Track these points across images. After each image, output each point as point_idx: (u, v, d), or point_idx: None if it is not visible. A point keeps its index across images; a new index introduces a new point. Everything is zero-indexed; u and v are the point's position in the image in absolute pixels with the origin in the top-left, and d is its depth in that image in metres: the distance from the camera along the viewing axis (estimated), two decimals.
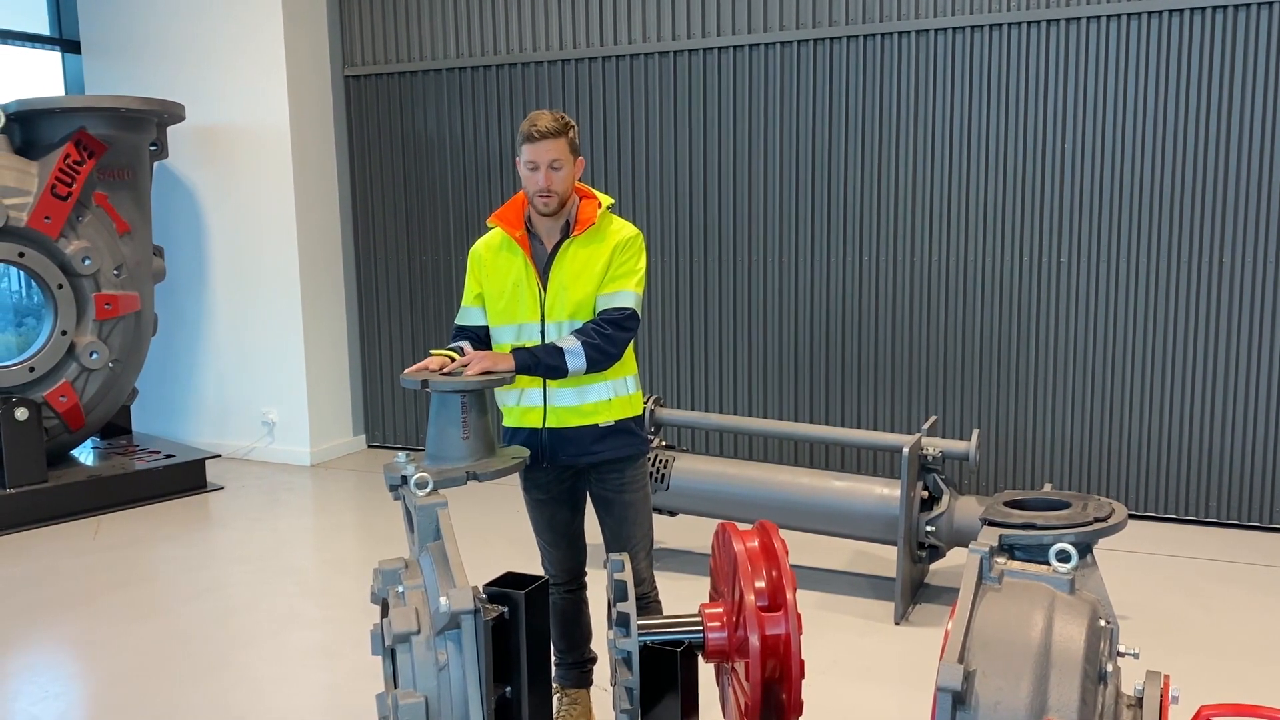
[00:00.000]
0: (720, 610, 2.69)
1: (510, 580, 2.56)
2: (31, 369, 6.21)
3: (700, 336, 6.76)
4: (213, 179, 7.50)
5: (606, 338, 3.09)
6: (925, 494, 4.72)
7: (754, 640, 2.47)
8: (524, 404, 3.26)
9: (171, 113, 6.80)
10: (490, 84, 7.10)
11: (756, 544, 2.71)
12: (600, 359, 3.10)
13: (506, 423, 3.36)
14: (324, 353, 7.57)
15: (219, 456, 7.09)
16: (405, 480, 2.83)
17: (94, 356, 6.42)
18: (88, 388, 6.48)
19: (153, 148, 7.03)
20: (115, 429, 7.35)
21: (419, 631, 2.54)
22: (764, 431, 5.38)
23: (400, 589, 2.66)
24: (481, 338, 3.32)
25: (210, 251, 7.58)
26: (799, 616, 2.50)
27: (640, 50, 6.62)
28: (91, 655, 4.40)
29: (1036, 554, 2.40)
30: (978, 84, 5.91)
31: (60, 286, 6.27)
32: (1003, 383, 6.08)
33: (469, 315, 3.34)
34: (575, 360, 3.06)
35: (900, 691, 3.96)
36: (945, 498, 4.69)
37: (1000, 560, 2.36)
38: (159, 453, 6.93)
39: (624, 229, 3.25)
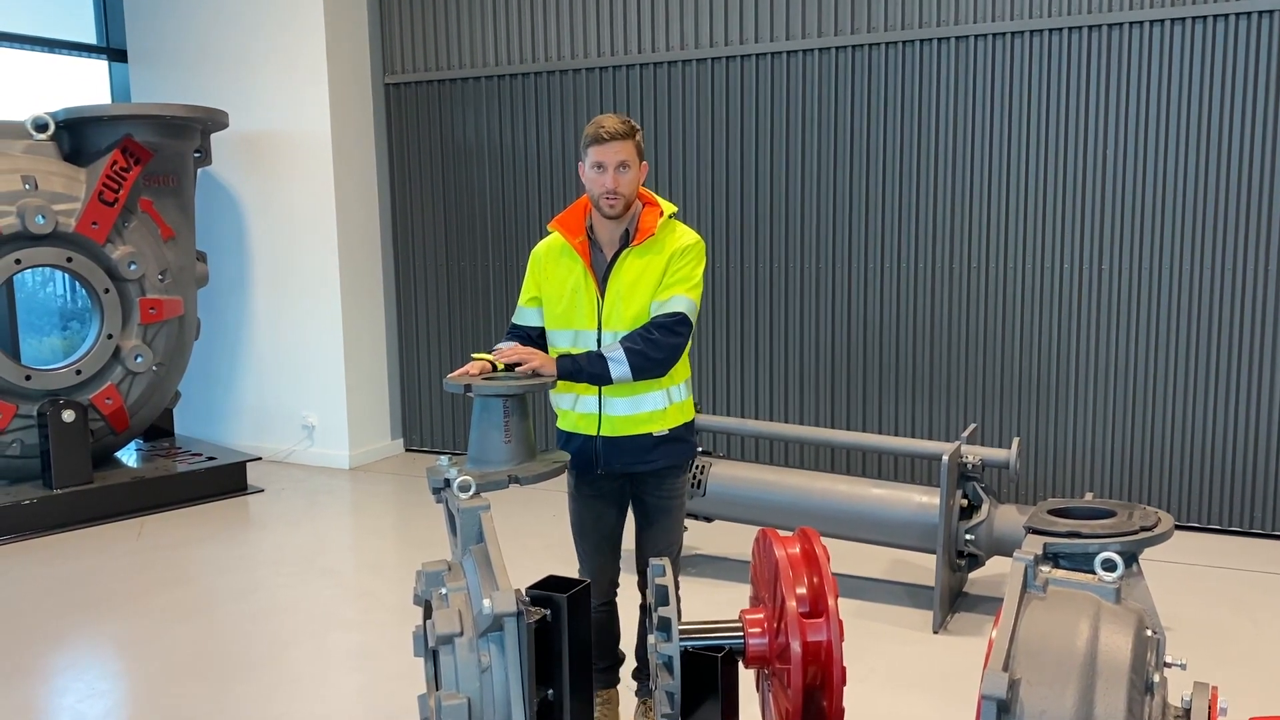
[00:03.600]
0: (761, 616, 2.69)
1: (552, 583, 2.57)
2: (78, 372, 6.31)
3: (737, 343, 6.76)
4: (255, 185, 7.60)
5: (652, 343, 3.08)
6: (965, 502, 4.68)
7: (795, 647, 2.47)
8: (579, 410, 3.27)
9: (216, 120, 6.90)
10: (530, 91, 7.15)
11: (798, 550, 2.70)
12: (646, 365, 3.07)
13: (561, 425, 3.38)
14: (363, 357, 7.64)
15: (259, 459, 7.17)
16: (448, 483, 2.86)
17: (139, 360, 6.52)
18: (132, 390, 6.58)
19: (197, 154, 7.14)
20: (158, 431, 7.46)
21: (462, 633, 2.56)
22: (801, 438, 5.37)
23: (443, 591, 2.68)
24: (535, 339, 3.34)
25: (252, 257, 7.68)
26: (840, 623, 2.50)
27: (680, 57, 6.63)
28: (135, 654, 4.46)
29: (1081, 563, 2.38)
30: (1018, 90, 5.87)
31: (107, 291, 6.38)
32: (1042, 391, 6.02)
33: (525, 316, 3.37)
34: (619, 368, 3.06)
35: (939, 702, 3.93)
36: (985, 506, 4.66)
37: (1045, 569, 2.34)
38: (200, 455, 7.03)
39: (684, 236, 3.23)
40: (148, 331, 6.59)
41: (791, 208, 6.49)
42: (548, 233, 3.37)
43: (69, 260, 6.23)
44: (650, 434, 3.23)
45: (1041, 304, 5.97)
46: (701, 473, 5.14)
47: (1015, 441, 4.69)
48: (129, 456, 7.00)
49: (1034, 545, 2.39)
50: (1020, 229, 5.97)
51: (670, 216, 3.26)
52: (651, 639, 2.58)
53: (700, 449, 5.33)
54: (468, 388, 2.92)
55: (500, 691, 2.48)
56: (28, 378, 6.14)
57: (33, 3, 7.80)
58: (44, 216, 6.04)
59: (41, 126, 6.35)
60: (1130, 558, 2.38)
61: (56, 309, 8.27)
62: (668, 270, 3.16)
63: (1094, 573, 2.28)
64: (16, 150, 6.24)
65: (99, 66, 8.14)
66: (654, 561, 2.63)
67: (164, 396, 6.93)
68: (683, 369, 3.29)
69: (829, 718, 2.51)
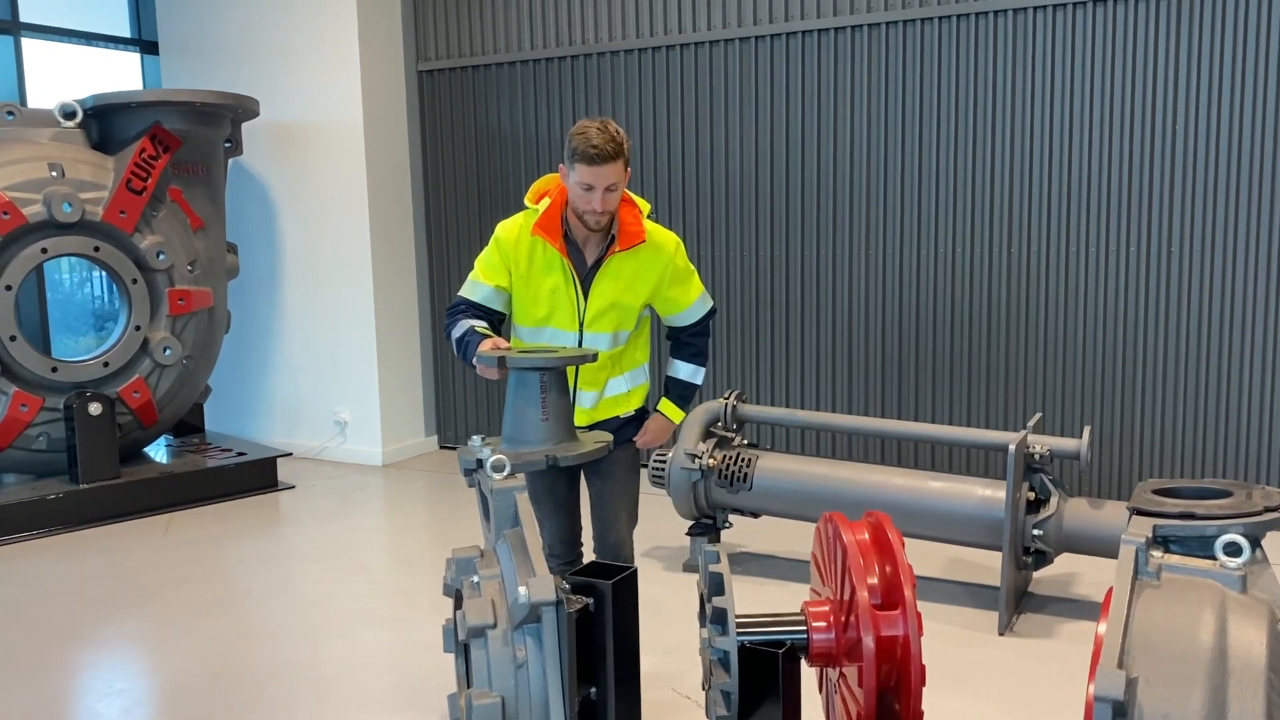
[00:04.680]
0: (827, 609, 2.42)
1: (595, 570, 2.32)
2: (105, 364, 6.16)
3: (782, 330, 6.48)
4: (286, 176, 7.43)
5: (709, 341, 3.43)
6: (1032, 495, 4.38)
7: (868, 642, 2.20)
8: None
9: (246, 108, 6.74)
10: (565, 75, 6.93)
11: (868, 536, 2.43)
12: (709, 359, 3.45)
13: None
14: (396, 352, 7.45)
15: (290, 455, 6.99)
16: (481, 464, 2.62)
17: (167, 352, 6.36)
18: (161, 384, 6.42)
19: (228, 145, 6.98)
20: (188, 427, 7.30)
21: (495, 625, 2.32)
22: (854, 429, 5.08)
23: (475, 579, 2.44)
24: (495, 323, 3.24)
25: (283, 249, 7.51)
26: (919, 616, 2.23)
27: (720, 36, 6.38)
28: (157, 651, 4.27)
29: (1196, 548, 2.09)
30: (1078, 64, 5.56)
31: (135, 281, 6.22)
32: (1109, 379, 5.69)
33: (489, 297, 3.23)
34: (701, 377, 3.42)
35: (1006, 706, 3.64)
36: (1054, 499, 4.35)
37: (1156, 554, 2.06)
38: (230, 451, 6.85)
39: (668, 238, 3.24)
40: (176, 323, 6.42)
41: (840, 190, 6.22)
42: (524, 206, 3.27)
43: (96, 250, 6.07)
44: (617, 417, 3.33)
45: (1109, 287, 5.65)
46: (748, 465, 4.87)
47: (1086, 430, 4.38)
48: (159, 453, 6.84)
49: (1141, 528, 2.11)
50: (1085, 210, 5.65)
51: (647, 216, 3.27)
52: (704, 632, 2.32)
53: (745, 442, 5.07)
54: (501, 361, 2.68)
55: (538, 689, 2.23)
56: (54, 370, 5.99)
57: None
58: (71, 204, 5.90)
59: (69, 114, 6.22)
60: (1254, 542, 2.09)
61: (92, 309, 8.16)
62: (666, 276, 3.21)
63: (1214, 558, 2.00)
64: (44, 138, 6.11)
65: (131, 59, 8.03)
66: (706, 548, 2.37)
67: (193, 390, 6.77)
68: (643, 352, 3.40)
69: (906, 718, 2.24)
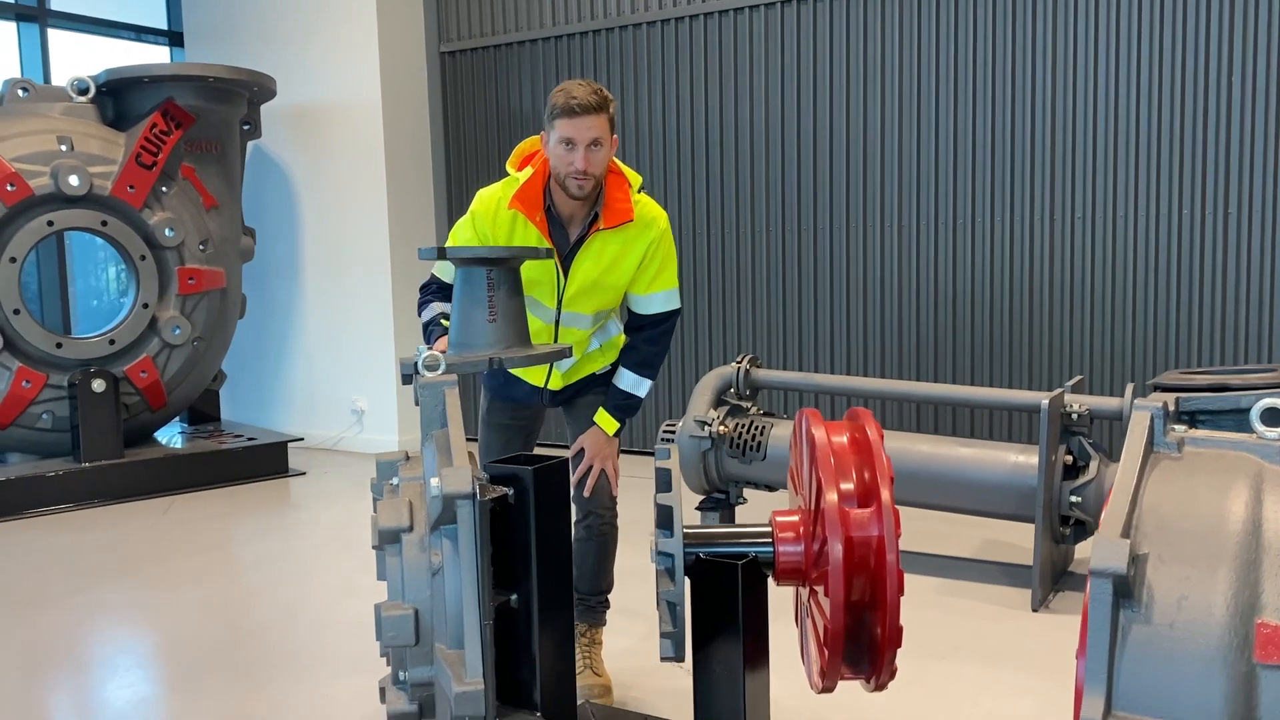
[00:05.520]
0: (797, 519, 2.09)
1: (523, 462, 2.02)
2: (111, 341, 6.02)
3: (794, 291, 6.15)
4: (306, 160, 7.30)
5: (661, 351, 3.04)
6: (1069, 459, 3.98)
7: (835, 546, 1.86)
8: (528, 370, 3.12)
9: (262, 85, 6.61)
10: (588, 51, 6.71)
11: (845, 439, 2.10)
12: (659, 371, 3.07)
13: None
14: (415, 340, 7.22)
15: (301, 440, 6.79)
16: (418, 369, 2.35)
17: (176, 332, 6.20)
18: (170, 364, 6.27)
19: (246, 127, 6.87)
20: (203, 416, 7.14)
21: (411, 529, 2.03)
22: (876, 392, 4.71)
23: (395, 482, 2.16)
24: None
25: (302, 235, 7.37)
26: (897, 516, 1.89)
27: (745, 3, 6.12)
28: (131, 616, 4.04)
29: (1228, 424, 1.74)
30: (1123, 17, 5.19)
31: (143, 258, 6.08)
32: (1153, 345, 5.26)
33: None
34: (645, 387, 3.04)
35: (1037, 678, 3.24)
36: (1094, 464, 3.94)
37: (1178, 429, 1.71)
38: (241, 436, 6.67)
39: (657, 215, 2.93)
40: (186, 303, 6.28)
41: (871, 156, 5.89)
42: (506, 173, 2.97)
43: (104, 224, 5.95)
44: (594, 374, 3.10)
45: (1148, 251, 5.23)
46: (762, 434, 4.53)
47: (1129, 388, 3.98)
48: (172, 439, 6.68)
49: (1162, 401, 1.76)
50: (1134, 172, 5.26)
51: (638, 190, 2.96)
52: (652, 537, 2.01)
53: (759, 410, 4.73)
54: (441, 251, 2.40)
55: (453, 597, 1.93)
56: (59, 345, 5.86)
57: None
58: (79, 177, 5.79)
59: (82, 89, 6.13)
60: None
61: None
62: (647, 258, 2.91)
63: (1249, 431, 1.64)
64: (55, 112, 6.02)
65: (161, 53, 7.99)
66: (660, 446, 2.06)
67: (205, 374, 6.60)
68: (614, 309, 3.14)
69: (883, 642, 1.89)
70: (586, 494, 2.96)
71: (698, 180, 6.43)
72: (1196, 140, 5.10)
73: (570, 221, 2.88)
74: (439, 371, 2.25)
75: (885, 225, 5.88)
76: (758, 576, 2.06)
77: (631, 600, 3.63)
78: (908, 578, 4.06)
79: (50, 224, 5.80)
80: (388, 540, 2.03)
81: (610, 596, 3.19)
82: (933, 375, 5.78)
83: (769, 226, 6.23)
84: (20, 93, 6.02)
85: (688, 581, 2.05)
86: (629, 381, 3.01)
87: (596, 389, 3.11)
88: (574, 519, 3.06)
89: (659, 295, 2.97)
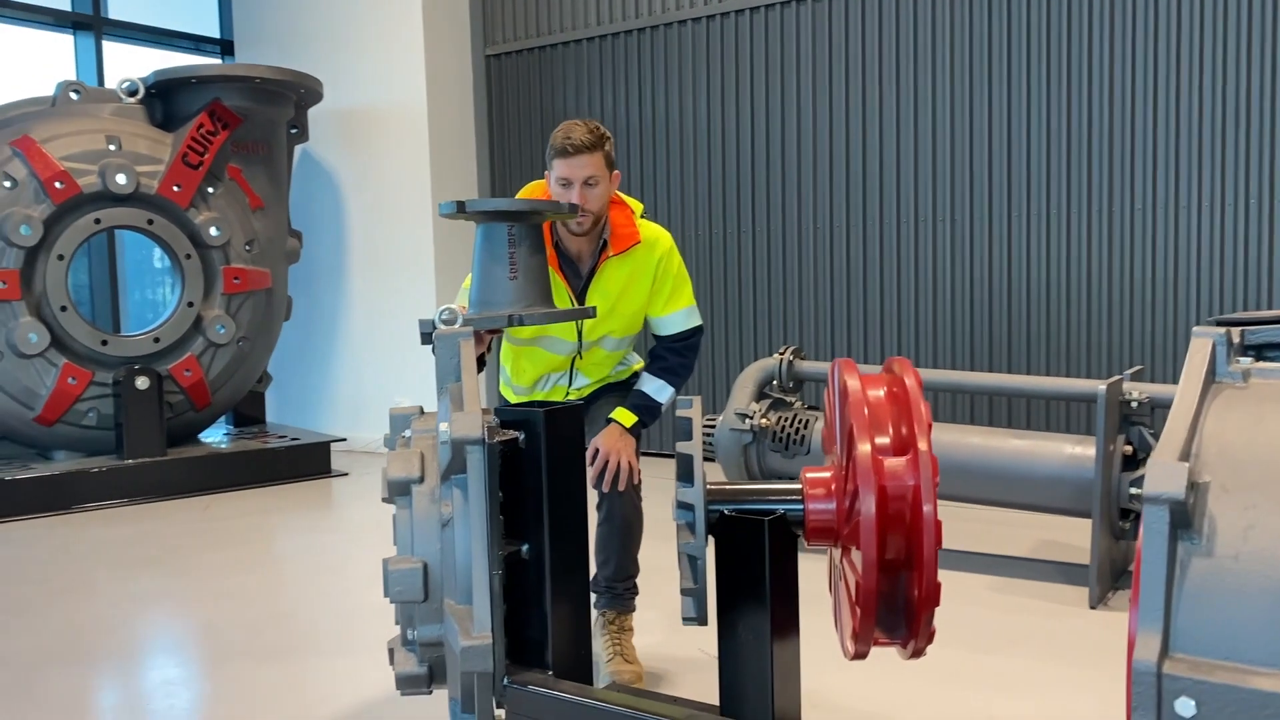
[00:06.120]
0: (829, 475, 1.97)
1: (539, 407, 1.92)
2: (156, 339, 6.05)
3: (842, 282, 6.00)
4: (352, 164, 7.32)
5: (687, 365, 3.03)
6: (1129, 449, 3.79)
7: (868, 496, 1.74)
8: (543, 391, 3.11)
9: (308, 87, 6.64)
10: (632, 50, 6.65)
11: (883, 392, 1.97)
12: (684, 382, 3.04)
13: (513, 400, 3.12)
14: None
15: (344, 440, 6.76)
16: (436, 324, 2.27)
17: (220, 331, 6.22)
18: (214, 364, 6.28)
19: (294, 130, 6.91)
20: (249, 419, 7.15)
21: (422, 480, 1.94)
22: (924, 383, 4.53)
23: (407, 434, 2.08)
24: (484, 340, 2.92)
25: (348, 239, 7.38)
26: (934, 462, 1.75)
27: None
28: (158, 603, 4.01)
29: None
30: (1183, 6, 5.01)
31: (188, 256, 6.12)
32: None
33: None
34: (666, 394, 2.99)
35: (1099, 674, 3.06)
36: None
37: (1243, 361, 1.56)
38: (285, 437, 6.66)
39: (661, 236, 3.00)
40: (231, 302, 6.29)
41: (923, 147, 5.75)
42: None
43: (150, 222, 6.00)
44: (610, 384, 3.14)
45: (1213, 241, 5.02)
46: (805, 428, 4.39)
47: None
48: (217, 441, 6.68)
49: (1225, 330, 1.61)
50: (1195, 164, 5.06)
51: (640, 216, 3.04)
52: (677, 490, 1.89)
53: (803, 404, 4.59)
54: (461, 205, 2.32)
55: (463, 549, 1.83)
56: (104, 343, 5.89)
57: None
58: (126, 176, 5.84)
59: (131, 91, 6.21)
60: None
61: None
62: (658, 279, 2.97)
63: None
64: (105, 113, 6.10)
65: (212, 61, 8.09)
66: (682, 397, 1.95)
67: (249, 374, 6.61)
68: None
69: (921, 599, 1.76)
70: (605, 488, 2.83)
71: (757, 170, 6.32)
72: (1265, 129, 4.88)
73: (580, 257, 2.94)
74: (456, 324, 2.17)
75: (937, 217, 5.73)
76: (787, 536, 1.94)
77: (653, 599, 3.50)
78: (955, 574, 3.90)
79: (97, 222, 5.86)
80: (398, 492, 1.94)
81: (638, 581, 3.08)
82: (985, 367, 5.60)
83: (815, 216, 6.11)
84: (72, 95, 6.10)
85: (711, 539, 1.93)
86: (652, 386, 2.99)
87: (615, 394, 3.09)
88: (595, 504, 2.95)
89: (678, 314, 3.02)
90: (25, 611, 3.88)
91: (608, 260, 2.90)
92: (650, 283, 2.96)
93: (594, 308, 2.63)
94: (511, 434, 1.86)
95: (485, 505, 1.73)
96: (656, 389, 2.97)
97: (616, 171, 2.91)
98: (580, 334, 2.95)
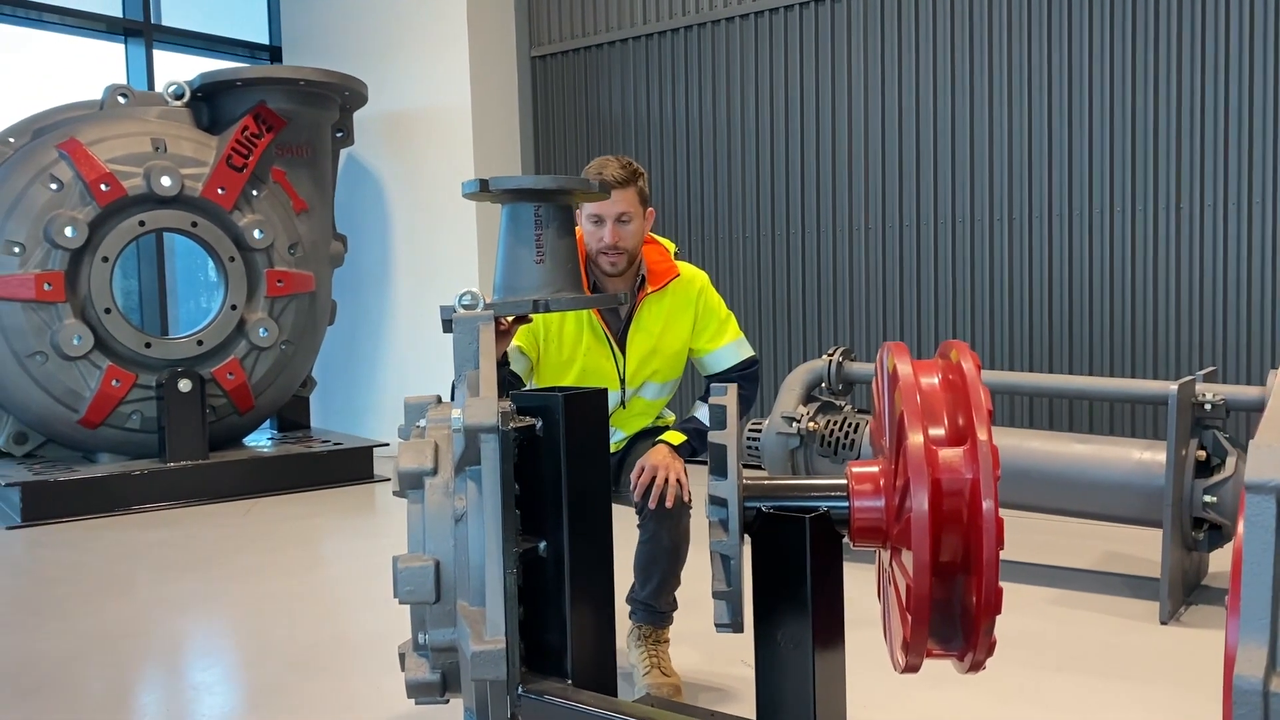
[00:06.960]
0: (877, 470, 1.80)
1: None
2: (200, 342, 6.02)
3: (896, 280, 5.79)
4: (397, 168, 7.27)
5: (747, 397, 2.88)
6: (1202, 455, 3.55)
7: (920, 490, 1.57)
8: None
9: (353, 90, 6.59)
10: (678, 49, 6.52)
11: (937, 380, 1.80)
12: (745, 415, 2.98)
13: None
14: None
15: (387, 445, 6.68)
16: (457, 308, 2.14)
17: (263, 334, 6.18)
18: (257, 367, 6.24)
19: (339, 134, 6.88)
20: (294, 424, 7.12)
21: (435, 473, 1.81)
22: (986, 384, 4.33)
23: (422, 424, 1.95)
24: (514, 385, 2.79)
25: (393, 243, 7.33)
26: (995, 453, 1.58)
27: None
28: (207, 609, 3.94)
29: None
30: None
31: (232, 259, 6.09)
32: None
33: (517, 363, 2.78)
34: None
35: (1171, 693, 2.84)
36: (1231, 460, 3.50)
37: None
38: (328, 441, 6.60)
39: (694, 276, 2.92)
40: (275, 305, 6.25)
41: (979, 146, 5.55)
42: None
43: (194, 225, 5.98)
44: (646, 428, 3.01)
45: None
46: (855, 431, 4.21)
47: (1274, 374, 3.53)
48: (260, 444, 6.64)
49: None
50: (1262, 159, 4.80)
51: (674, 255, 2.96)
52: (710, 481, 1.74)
53: (851, 406, 4.41)
54: (484, 184, 2.19)
55: (476, 546, 1.69)
56: (147, 345, 5.87)
57: (205, 5, 7.85)
58: (170, 178, 5.83)
59: (178, 94, 6.21)
60: None
61: None
62: (699, 315, 2.89)
63: None
64: (151, 116, 6.10)
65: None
66: (715, 385, 1.79)
67: (293, 378, 6.57)
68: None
69: (980, 607, 1.58)
70: (652, 505, 2.62)
71: (807, 167, 6.15)
72: None
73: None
74: (478, 309, 2.04)
75: (994, 215, 5.51)
76: (830, 535, 1.77)
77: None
78: (1015, 586, 3.68)
79: (142, 224, 5.84)
80: (409, 485, 1.81)
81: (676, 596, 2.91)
82: (1044, 369, 5.37)
83: (868, 215, 5.92)
84: (120, 99, 6.12)
85: (747, 540, 1.77)
86: (706, 412, 2.83)
87: (647, 439, 2.92)
88: (637, 524, 2.79)
89: (728, 348, 2.92)
90: (66, 612, 3.83)
91: (646, 297, 2.83)
92: (692, 318, 2.88)
93: (625, 293, 2.48)
94: (528, 420, 1.72)
95: (499, 498, 1.59)
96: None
97: (651, 209, 2.83)
98: (624, 380, 2.84)
